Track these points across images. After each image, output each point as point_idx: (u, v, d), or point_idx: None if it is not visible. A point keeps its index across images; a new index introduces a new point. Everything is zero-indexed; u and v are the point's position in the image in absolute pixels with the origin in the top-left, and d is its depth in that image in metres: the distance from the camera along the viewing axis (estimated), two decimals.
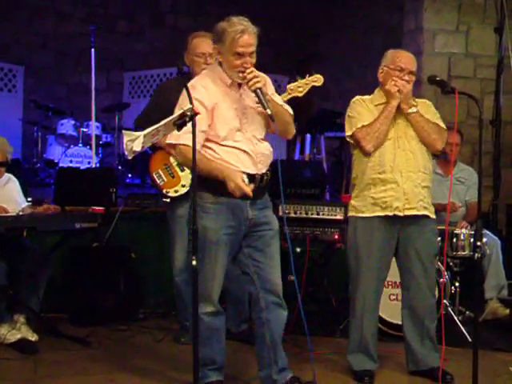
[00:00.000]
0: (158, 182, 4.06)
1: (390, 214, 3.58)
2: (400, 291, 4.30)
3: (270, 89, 3.29)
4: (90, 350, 3.86)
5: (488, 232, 5.05)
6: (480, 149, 3.23)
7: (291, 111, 3.35)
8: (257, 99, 3.11)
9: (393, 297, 4.37)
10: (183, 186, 4.02)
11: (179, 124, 2.94)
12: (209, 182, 3.11)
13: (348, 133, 3.69)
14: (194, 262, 2.81)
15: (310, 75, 4.13)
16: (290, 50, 9.72)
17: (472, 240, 4.55)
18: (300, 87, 4.09)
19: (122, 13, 9.52)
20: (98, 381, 3.50)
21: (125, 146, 3.00)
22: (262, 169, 3.23)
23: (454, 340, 4.06)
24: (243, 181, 3.08)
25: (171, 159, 4.04)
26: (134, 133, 3.06)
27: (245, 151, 3.18)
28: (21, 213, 4.05)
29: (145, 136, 2.96)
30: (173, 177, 4.05)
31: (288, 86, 4.12)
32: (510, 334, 4.62)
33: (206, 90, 3.16)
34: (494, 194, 5.71)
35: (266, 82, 3.21)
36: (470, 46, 6.39)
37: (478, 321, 3.45)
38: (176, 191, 4.02)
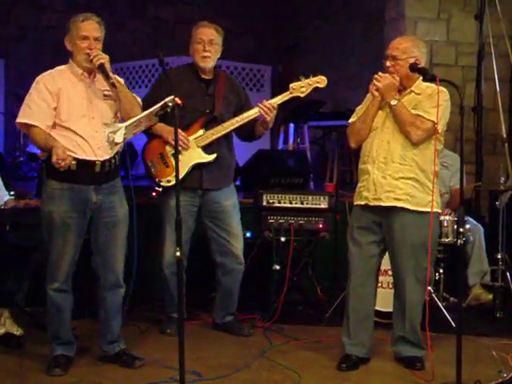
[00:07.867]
0: (152, 170, 4.02)
1: (362, 203, 3.63)
2: (384, 279, 4.36)
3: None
4: (76, 342, 3.85)
5: (471, 219, 5.09)
6: (461, 136, 3.24)
7: (137, 98, 3.53)
8: (103, 75, 3.32)
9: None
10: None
11: (161, 115, 2.95)
12: (53, 170, 3.27)
13: None
14: (177, 253, 2.81)
15: (314, 75, 4.02)
16: (272, 40, 9.69)
17: (455, 226, 4.57)
18: (303, 87, 3.99)
19: (102, 3, 9.42)
20: (84, 373, 3.50)
21: (106, 137, 2.99)
22: (102, 155, 3.36)
23: (439, 326, 4.10)
24: (64, 153, 3.22)
25: (167, 148, 3.99)
26: (115, 124, 3.05)
27: (82, 137, 3.32)
28: (3, 207, 4.01)
29: (126, 127, 2.96)
30: (167, 166, 3.99)
31: (290, 85, 4.01)
32: (493, 319, 4.67)
33: (53, 78, 3.47)
34: (476, 180, 5.75)
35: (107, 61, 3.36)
36: (451, 33, 6.42)
37: (462, 307, 3.48)
38: (168, 181, 3.97)
